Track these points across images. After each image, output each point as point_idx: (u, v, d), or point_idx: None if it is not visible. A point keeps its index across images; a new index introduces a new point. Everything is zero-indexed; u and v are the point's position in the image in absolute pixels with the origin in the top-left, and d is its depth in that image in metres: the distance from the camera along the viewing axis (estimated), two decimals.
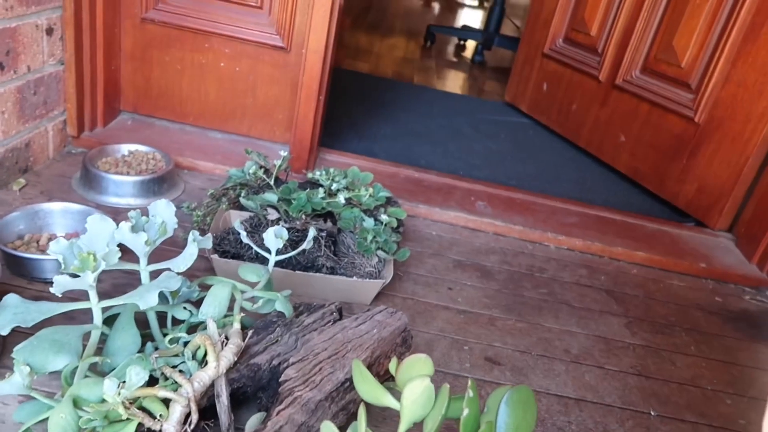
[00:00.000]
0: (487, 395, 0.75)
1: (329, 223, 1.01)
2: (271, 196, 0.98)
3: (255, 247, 0.86)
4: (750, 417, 0.91)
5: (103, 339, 0.70)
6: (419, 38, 3.43)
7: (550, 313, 1.06)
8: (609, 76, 1.78)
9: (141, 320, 0.72)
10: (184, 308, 0.75)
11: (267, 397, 0.69)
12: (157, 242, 0.71)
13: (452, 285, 1.08)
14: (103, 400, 0.57)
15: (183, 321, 0.76)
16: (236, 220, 0.98)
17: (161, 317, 0.76)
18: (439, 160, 1.61)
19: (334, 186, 1.05)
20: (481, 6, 5.16)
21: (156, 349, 0.71)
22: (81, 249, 0.64)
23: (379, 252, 0.95)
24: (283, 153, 1.07)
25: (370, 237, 0.95)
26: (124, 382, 0.58)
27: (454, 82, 2.73)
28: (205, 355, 0.64)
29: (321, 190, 1.02)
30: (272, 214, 0.98)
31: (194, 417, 0.59)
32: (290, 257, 0.90)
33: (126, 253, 0.69)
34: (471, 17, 4.60)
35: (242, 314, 0.72)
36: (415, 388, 0.55)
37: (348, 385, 0.67)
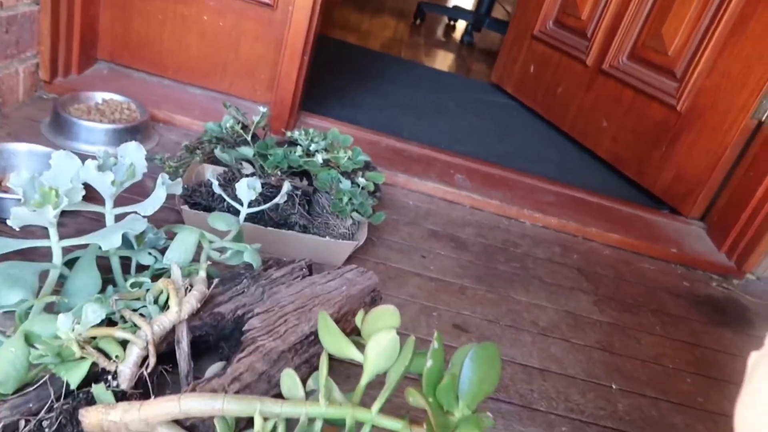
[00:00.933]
0: None
1: (305, 182, 0.99)
2: (247, 150, 0.96)
3: (227, 198, 0.84)
4: (709, 395, 0.92)
5: (62, 282, 0.68)
6: (410, 18, 3.38)
7: (521, 286, 1.06)
8: (596, 61, 1.78)
9: (104, 266, 0.70)
10: (149, 254, 0.73)
11: (229, 347, 0.67)
12: (124, 184, 0.69)
13: (426, 253, 1.08)
14: (57, 337, 0.55)
15: (147, 267, 0.74)
16: (209, 172, 0.96)
17: (125, 265, 0.74)
18: (423, 132, 1.60)
19: (313, 147, 1.02)
20: None
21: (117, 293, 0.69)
22: (43, 184, 0.62)
23: (354, 214, 0.94)
24: (263, 109, 1.05)
25: (345, 198, 0.93)
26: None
27: (443, 60, 2.71)
28: (168, 300, 0.62)
29: (299, 148, 1.00)
30: (247, 169, 0.96)
31: (152, 360, 0.58)
32: (263, 212, 0.88)
33: (93, 199, 0.67)
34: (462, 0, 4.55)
35: (209, 263, 0.71)
36: (381, 340, 0.54)
37: (313, 338, 0.66)
